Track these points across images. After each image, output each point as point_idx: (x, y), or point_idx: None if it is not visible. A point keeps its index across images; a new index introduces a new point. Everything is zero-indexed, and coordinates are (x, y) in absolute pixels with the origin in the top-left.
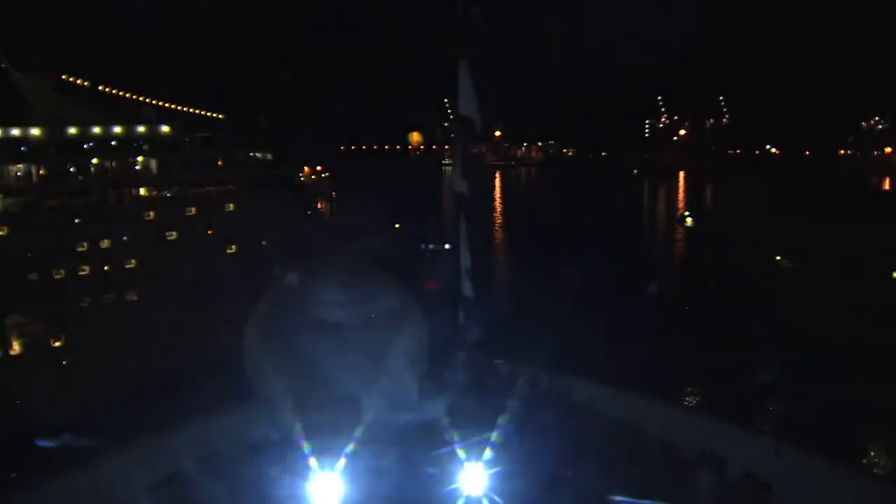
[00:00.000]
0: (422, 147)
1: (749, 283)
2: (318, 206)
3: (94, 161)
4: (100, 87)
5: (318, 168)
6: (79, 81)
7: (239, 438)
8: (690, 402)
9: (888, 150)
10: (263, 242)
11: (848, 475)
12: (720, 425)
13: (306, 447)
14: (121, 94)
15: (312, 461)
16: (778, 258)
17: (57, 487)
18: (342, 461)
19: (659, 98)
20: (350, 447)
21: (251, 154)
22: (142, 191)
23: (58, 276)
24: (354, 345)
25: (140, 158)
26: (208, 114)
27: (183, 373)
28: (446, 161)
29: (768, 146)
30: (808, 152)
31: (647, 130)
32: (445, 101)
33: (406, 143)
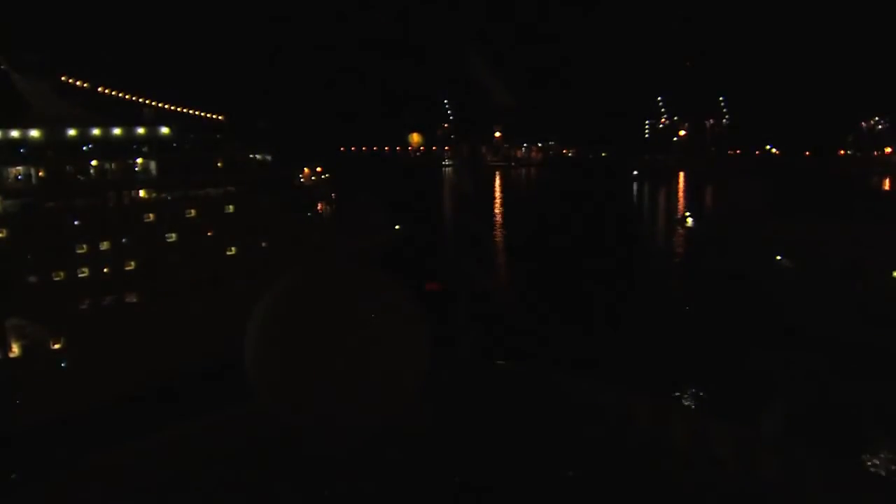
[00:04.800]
0: (422, 147)
1: (749, 283)
2: (318, 207)
3: (94, 163)
4: (99, 89)
5: (319, 169)
6: (79, 83)
7: (239, 439)
8: (689, 401)
9: (888, 149)
10: (263, 244)
11: (848, 475)
12: (719, 425)
13: (306, 448)
14: (121, 95)
15: (312, 462)
16: (778, 258)
17: (57, 487)
18: (342, 461)
19: (659, 98)
20: (350, 448)
21: (251, 155)
22: (141, 193)
23: (57, 278)
24: (355, 346)
25: (140, 160)
26: (208, 115)
27: (183, 374)
28: (446, 161)
29: (768, 146)
30: (807, 152)
31: (646, 131)
32: (445, 102)
33: (406, 143)
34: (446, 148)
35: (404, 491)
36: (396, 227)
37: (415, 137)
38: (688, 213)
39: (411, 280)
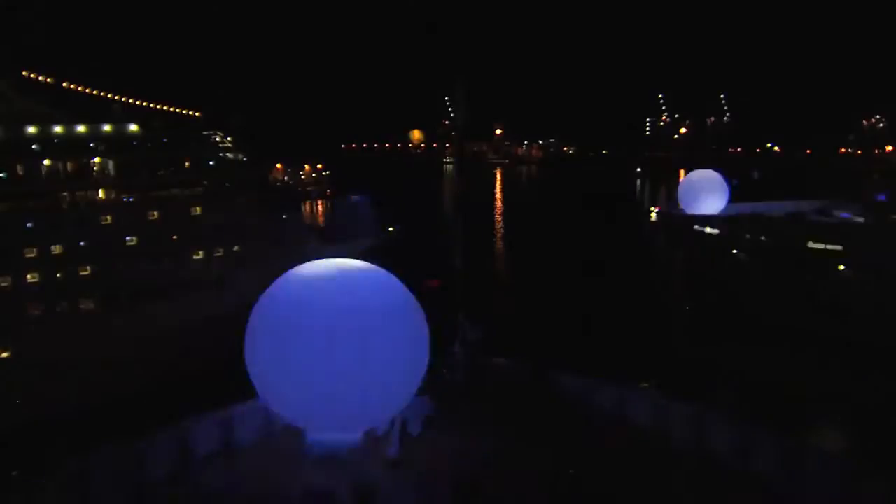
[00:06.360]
0: (423, 145)
1: (707, 275)
2: (305, 207)
3: (47, 162)
4: (64, 85)
5: (319, 166)
6: (41, 78)
7: (237, 437)
8: (647, 388)
9: (889, 147)
10: (236, 248)
11: (840, 464)
12: (718, 420)
13: (305, 445)
14: (88, 91)
15: (312, 459)
16: (735, 251)
17: (57, 486)
18: (341, 459)
19: (660, 96)
20: (350, 445)
21: (221, 154)
22: (100, 193)
23: (4, 284)
24: (353, 344)
25: (97, 159)
26: (186, 112)
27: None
28: (447, 159)
29: (769, 144)
30: (808, 150)
31: (647, 128)
32: (446, 98)
33: (407, 140)
34: (447, 145)
35: (403, 487)
36: (390, 228)
37: (416, 134)
38: (652, 208)
39: (410, 278)
